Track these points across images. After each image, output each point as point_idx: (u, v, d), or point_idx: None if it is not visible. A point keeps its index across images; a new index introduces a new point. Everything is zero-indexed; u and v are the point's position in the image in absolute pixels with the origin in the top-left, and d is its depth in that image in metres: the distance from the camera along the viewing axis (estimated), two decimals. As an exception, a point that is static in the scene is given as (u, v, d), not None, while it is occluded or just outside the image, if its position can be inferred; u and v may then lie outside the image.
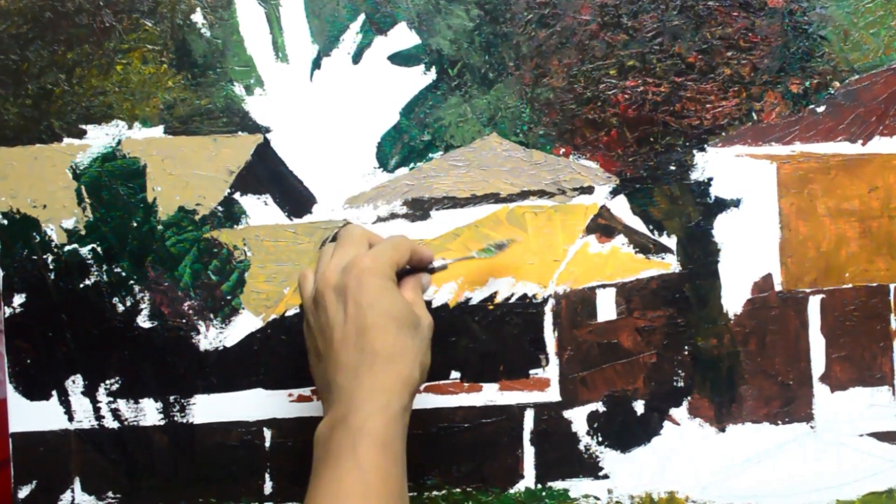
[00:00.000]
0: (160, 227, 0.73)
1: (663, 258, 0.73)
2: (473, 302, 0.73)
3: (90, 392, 0.73)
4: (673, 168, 0.73)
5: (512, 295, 0.73)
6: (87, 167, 0.73)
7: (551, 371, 0.73)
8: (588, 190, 0.73)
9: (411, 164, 0.74)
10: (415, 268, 0.64)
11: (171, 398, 0.73)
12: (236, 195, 0.73)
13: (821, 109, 0.73)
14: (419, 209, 0.73)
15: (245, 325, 0.73)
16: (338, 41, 0.74)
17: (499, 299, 0.73)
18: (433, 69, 0.73)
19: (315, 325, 0.60)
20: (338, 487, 0.54)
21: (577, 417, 0.73)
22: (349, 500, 0.54)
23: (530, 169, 0.73)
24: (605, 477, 0.73)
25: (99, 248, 0.73)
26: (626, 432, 0.73)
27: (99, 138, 0.73)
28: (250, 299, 0.73)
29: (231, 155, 0.73)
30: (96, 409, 0.73)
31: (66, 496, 0.73)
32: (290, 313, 0.73)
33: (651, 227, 0.73)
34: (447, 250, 0.73)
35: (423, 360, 0.59)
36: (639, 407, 0.73)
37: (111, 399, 0.73)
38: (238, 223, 0.74)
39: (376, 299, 0.57)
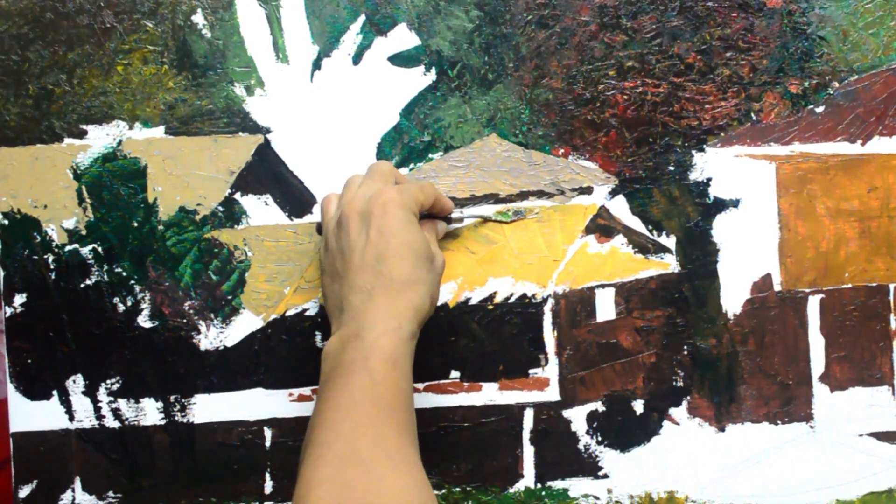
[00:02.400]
0: (161, 227, 0.73)
1: (662, 258, 0.73)
2: (473, 302, 0.73)
3: (91, 392, 0.74)
4: (672, 168, 0.73)
5: (511, 295, 0.73)
6: (87, 167, 0.73)
7: (550, 371, 0.73)
8: (587, 190, 0.73)
9: (411, 165, 0.74)
10: (434, 216, 0.68)
11: (172, 398, 0.74)
12: (237, 195, 0.74)
13: (820, 110, 0.73)
14: (419, 209, 0.73)
15: (245, 324, 0.74)
16: (338, 42, 0.74)
17: (498, 299, 0.73)
18: (433, 70, 0.74)
19: (335, 247, 0.62)
20: (349, 394, 0.56)
21: (577, 417, 0.73)
22: (360, 406, 0.56)
23: (529, 169, 0.73)
24: (605, 476, 0.73)
25: (100, 248, 0.73)
26: (626, 432, 0.73)
27: (100, 138, 0.73)
28: (251, 299, 0.74)
29: (232, 155, 0.74)
30: (97, 409, 0.74)
31: (67, 496, 0.73)
32: (290, 313, 0.74)
33: (650, 227, 0.73)
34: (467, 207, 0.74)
35: (433, 293, 0.62)
36: (638, 406, 0.73)
37: (112, 399, 0.74)
38: (239, 223, 0.74)
39: (399, 229, 0.60)
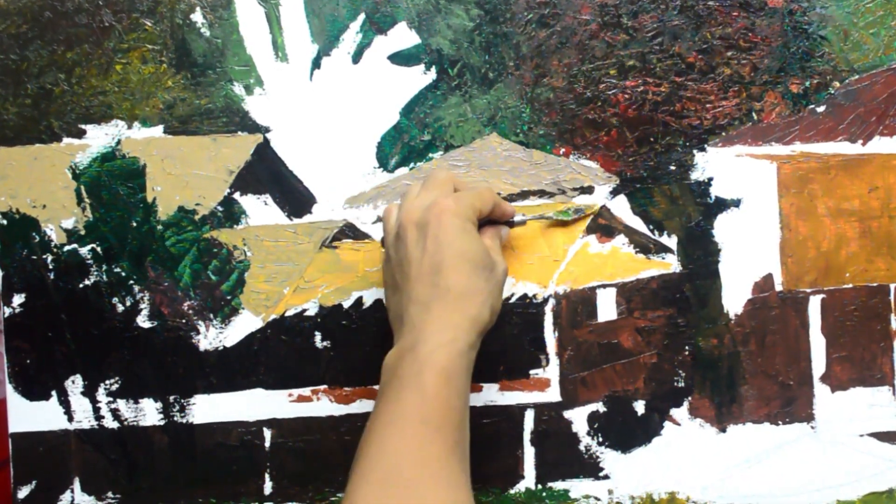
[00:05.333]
0: (160, 226, 0.73)
1: (663, 258, 0.73)
2: (473, 302, 0.73)
3: (90, 392, 0.73)
4: (673, 168, 0.73)
5: (512, 295, 0.73)
6: (86, 167, 0.73)
7: (551, 371, 0.73)
8: (588, 190, 0.73)
9: (411, 164, 0.74)
10: (496, 220, 0.67)
11: (171, 398, 0.73)
12: (236, 195, 0.73)
13: (821, 109, 0.73)
14: (419, 209, 0.73)
15: (245, 325, 0.73)
16: (338, 41, 0.74)
17: (499, 299, 0.73)
18: (433, 69, 0.73)
19: (394, 259, 0.62)
20: (400, 409, 0.56)
21: (578, 418, 0.73)
22: (410, 423, 0.56)
23: (530, 169, 0.73)
24: (606, 477, 0.73)
25: (98, 248, 0.73)
26: (627, 433, 0.73)
27: (98, 138, 0.73)
28: (250, 299, 0.73)
29: (231, 155, 0.73)
30: (96, 409, 0.73)
31: (66, 496, 0.73)
32: (289, 313, 0.73)
33: (651, 226, 0.73)
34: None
35: (493, 303, 0.61)
36: (639, 407, 0.73)
37: (111, 399, 0.73)
38: (238, 223, 0.74)
39: (454, 239, 0.60)
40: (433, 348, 0.57)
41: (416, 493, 0.54)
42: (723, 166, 0.73)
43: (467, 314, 0.59)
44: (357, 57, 0.74)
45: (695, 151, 0.73)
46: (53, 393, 0.73)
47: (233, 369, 0.73)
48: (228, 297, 0.73)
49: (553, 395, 0.73)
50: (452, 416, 0.57)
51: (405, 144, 0.74)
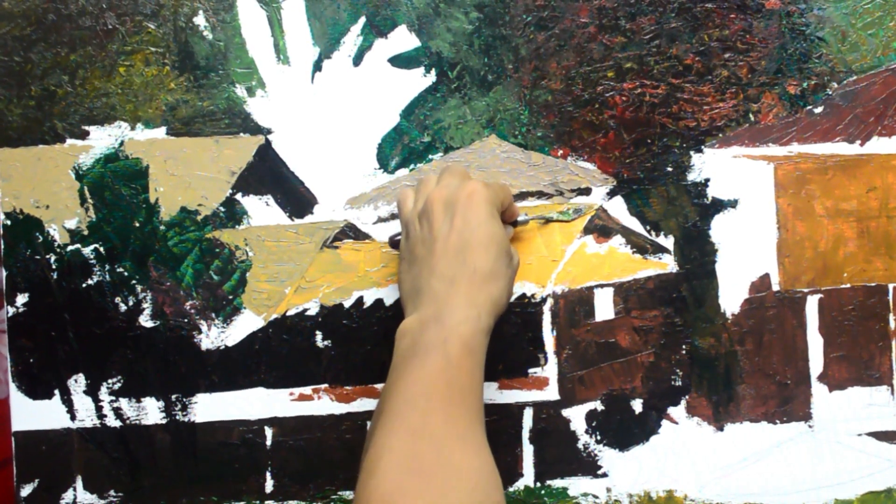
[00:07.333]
0: (162, 227, 0.74)
1: (660, 258, 0.73)
2: (472, 302, 0.73)
3: (92, 391, 0.74)
4: (670, 169, 0.73)
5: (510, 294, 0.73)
6: (89, 168, 0.74)
7: (550, 370, 0.73)
8: (586, 191, 0.74)
9: (411, 166, 0.74)
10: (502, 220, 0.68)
11: (173, 397, 0.74)
12: (238, 196, 0.74)
13: (818, 110, 0.74)
14: (419, 210, 0.74)
15: (246, 324, 0.74)
16: (338, 44, 0.74)
17: (498, 299, 0.73)
18: (433, 71, 0.74)
19: (417, 235, 0.63)
20: (426, 372, 0.57)
21: (576, 416, 0.73)
22: (435, 385, 0.56)
23: (529, 170, 0.74)
24: (604, 475, 0.73)
25: (101, 248, 0.74)
26: (625, 431, 0.73)
27: (102, 139, 0.74)
28: (252, 299, 0.74)
29: (233, 156, 0.74)
30: (98, 408, 0.74)
31: (69, 495, 0.74)
32: (291, 313, 0.74)
33: (648, 227, 0.74)
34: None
35: (510, 289, 0.63)
36: (637, 406, 0.73)
37: (113, 398, 0.74)
38: (240, 223, 0.74)
39: (483, 221, 0.61)
40: (459, 321, 0.58)
41: (444, 449, 0.54)
42: (719, 167, 0.73)
43: (490, 296, 0.60)
44: (358, 60, 0.74)
45: (692, 153, 0.73)
46: (56, 392, 0.74)
47: (234, 368, 0.74)
48: (230, 297, 0.74)
49: (551, 393, 0.73)
50: (475, 385, 0.58)
51: (405, 146, 0.74)
